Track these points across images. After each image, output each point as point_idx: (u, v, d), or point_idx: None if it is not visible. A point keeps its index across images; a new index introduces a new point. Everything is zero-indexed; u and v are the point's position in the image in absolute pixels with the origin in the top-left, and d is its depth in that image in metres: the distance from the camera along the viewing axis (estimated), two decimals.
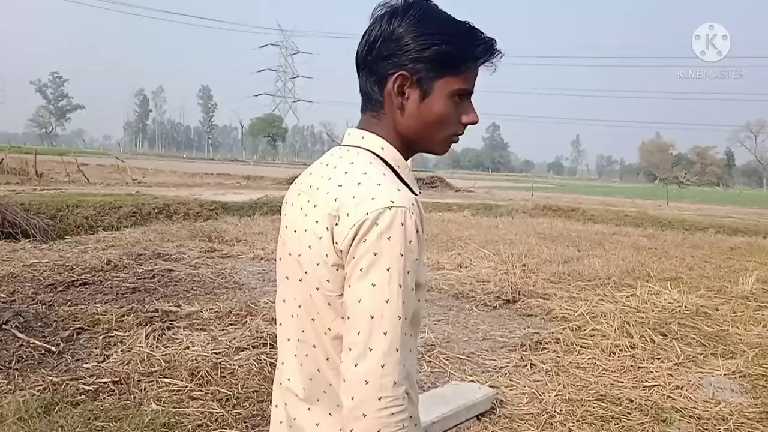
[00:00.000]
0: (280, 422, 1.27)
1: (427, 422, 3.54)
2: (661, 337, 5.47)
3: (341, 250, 1.08)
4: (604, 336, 5.42)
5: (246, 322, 5.20)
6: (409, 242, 1.06)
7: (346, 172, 1.14)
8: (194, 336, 4.83)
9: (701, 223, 17.95)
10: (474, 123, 1.21)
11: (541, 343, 5.26)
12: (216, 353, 4.45)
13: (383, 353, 1.03)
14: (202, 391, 3.89)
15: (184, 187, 19.41)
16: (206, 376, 4.07)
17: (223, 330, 5.05)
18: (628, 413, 3.96)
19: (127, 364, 4.25)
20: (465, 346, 5.25)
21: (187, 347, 4.57)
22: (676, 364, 4.89)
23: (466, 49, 1.15)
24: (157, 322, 5.04)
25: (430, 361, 4.73)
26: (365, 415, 1.03)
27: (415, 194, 1.16)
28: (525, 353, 4.99)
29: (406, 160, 1.22)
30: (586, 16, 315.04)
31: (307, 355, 1.19)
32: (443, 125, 1.18)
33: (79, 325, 4.93)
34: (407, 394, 1.07)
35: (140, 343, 4.58)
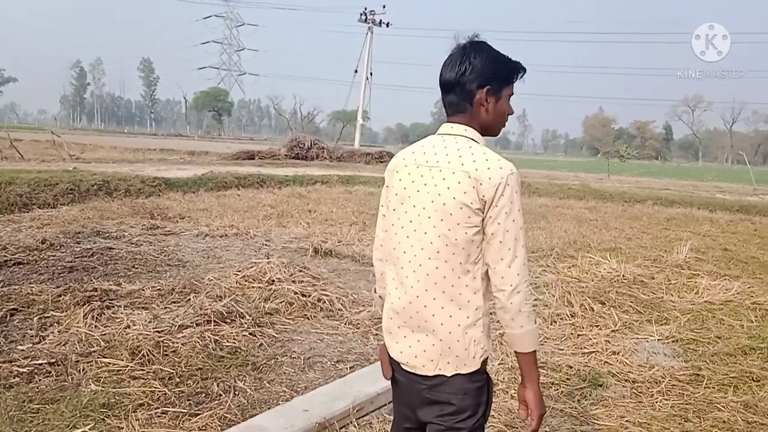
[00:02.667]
0: (405, 336, 1.89)
1: (373, 394, 3.58)
2: (600, 305, 5.66)
3: (486, 200, 1.69)
4: (546, 306, 5.57)
5: (189, 299, 5.10)
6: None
7: (471, 150, 1.74)
8: (135, 315, 4.71)
9: (640, 195, 18.58)
10: (512, 114, 1.89)
11: None
12: (158, 331, 4.35)
13: (523, 257, 1.72)
14: (143, 370, 3.81)
15: (126, 163, 18.76)
16: (148, 355, 3.98)
17: (165, 308, 4.95)
18: (568, 379, 4.09)
19: (64, 344, 4.12)
20: None
21: (128, 326, 4.45)
22: (613, 330, 5.08)
23: (513, 71, 1.84)
24: (96, 301, 4.89)
25: (377, 334, 4.76)
26: (519, 292, 1.70)
27: None
28: None
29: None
30: None
31: (438, 268, 1.75)
32: (504, 117, 1.87)
33: (12, 306, 4.73)
34: None
35: (78, 323, 4.44)
